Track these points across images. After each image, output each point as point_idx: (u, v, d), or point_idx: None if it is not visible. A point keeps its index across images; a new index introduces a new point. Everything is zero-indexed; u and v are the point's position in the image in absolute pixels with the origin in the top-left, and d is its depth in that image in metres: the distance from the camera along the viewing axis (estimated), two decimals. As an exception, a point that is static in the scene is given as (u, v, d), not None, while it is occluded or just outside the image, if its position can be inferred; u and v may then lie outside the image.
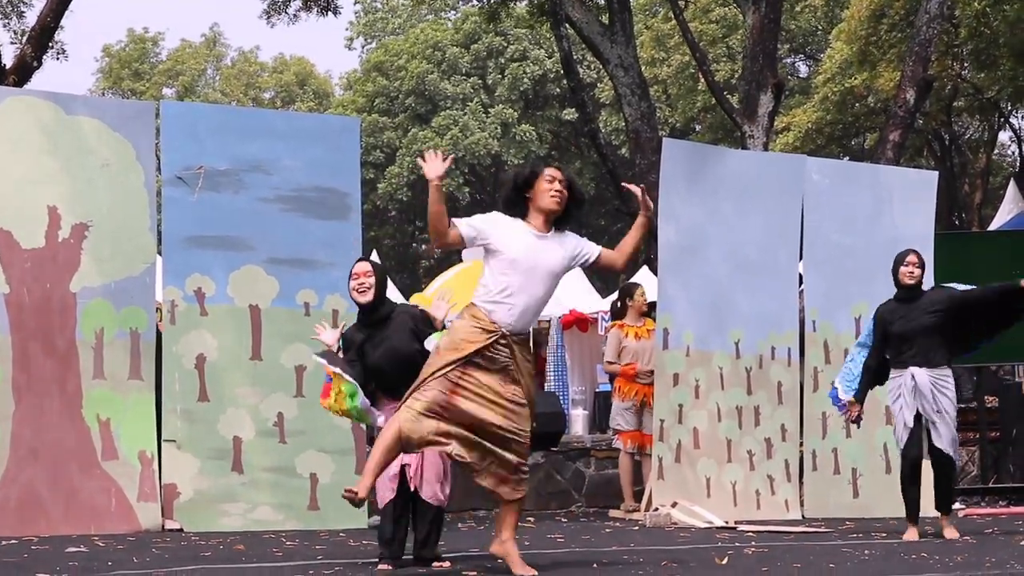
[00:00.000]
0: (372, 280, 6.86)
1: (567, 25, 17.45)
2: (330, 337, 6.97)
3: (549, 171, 6.38)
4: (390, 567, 6.57)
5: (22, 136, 8.99)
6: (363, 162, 16.44)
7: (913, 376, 8.61)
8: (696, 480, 10.34)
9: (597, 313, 19.07)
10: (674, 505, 10.01)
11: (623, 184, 7.55)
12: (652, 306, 10.89)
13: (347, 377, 6.74)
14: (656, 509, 10.00)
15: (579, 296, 20.71)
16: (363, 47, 46.52)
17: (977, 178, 33.84)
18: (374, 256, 23.21)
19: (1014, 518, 10.43)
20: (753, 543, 8.31)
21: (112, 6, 68.78)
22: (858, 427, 9.52)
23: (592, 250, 6.50)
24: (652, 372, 10.51)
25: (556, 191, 6.32)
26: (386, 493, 6.64)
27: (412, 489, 6.63)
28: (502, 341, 6.17)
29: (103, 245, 9.08)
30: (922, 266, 8.82)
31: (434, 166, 6.14)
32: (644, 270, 19.69)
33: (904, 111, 16.75)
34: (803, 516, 10.62)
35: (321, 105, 45.82)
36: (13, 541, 8.10)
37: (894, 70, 25.77)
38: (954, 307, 8.67)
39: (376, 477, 6.16)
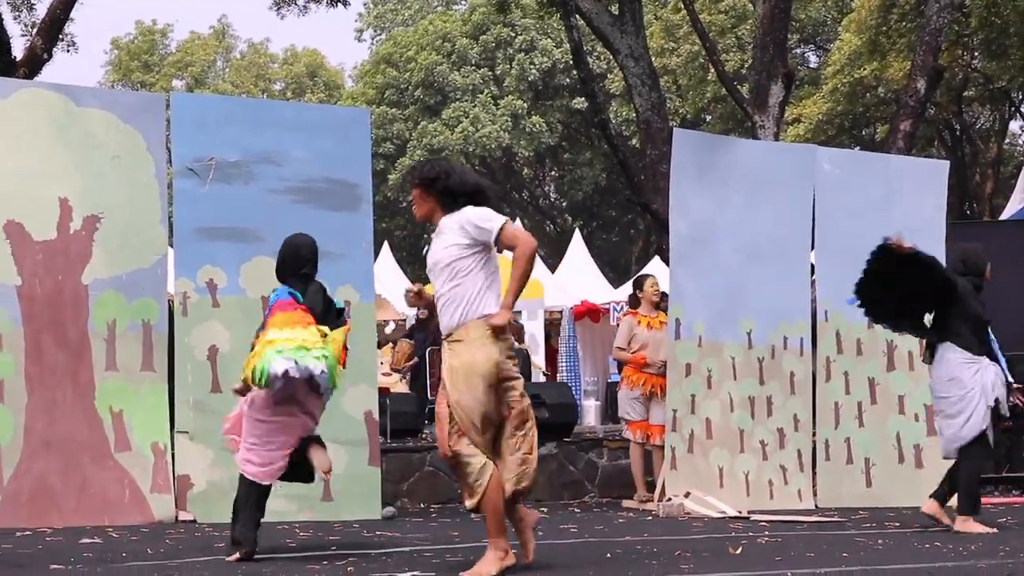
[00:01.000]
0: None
1: (577, 16, 17.42)
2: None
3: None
4: None
5: (33, 128, 9.00)
6: (373, 154, 16.40)
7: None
8: (709, 470, 10.33)
9: (609, 303, 19.09)
10: (687, 495, 10.00)
11: None
12: (665, 296, 10.86)
13: (282, 368, 6.63)
14: (669, 499, 9.99)
15: (591, 287, 20.75)
16: (373, 39, 46.52)
17: (988, 167, 33.76)
18: (385, 247, 23.30)
19: (1027, 507, 10.40)
20: (766, 533, 8.31)
21: (121, -1, 68.73)
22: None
23: (495, 222, 6.13)
24: (663, 364, 10.47)
25: (413, 204, 6.41)
26: None
27: None
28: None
29: (114, 237, 9.09)
30: None
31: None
32: (656, 260, 19.71)
33: (915, 101, 16.67)
34: (816, 506, 10.60)
35: (331, 97, 45.82)
36: (27, 533, 8.12)
37: (904, 60, 25.74)
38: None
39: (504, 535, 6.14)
